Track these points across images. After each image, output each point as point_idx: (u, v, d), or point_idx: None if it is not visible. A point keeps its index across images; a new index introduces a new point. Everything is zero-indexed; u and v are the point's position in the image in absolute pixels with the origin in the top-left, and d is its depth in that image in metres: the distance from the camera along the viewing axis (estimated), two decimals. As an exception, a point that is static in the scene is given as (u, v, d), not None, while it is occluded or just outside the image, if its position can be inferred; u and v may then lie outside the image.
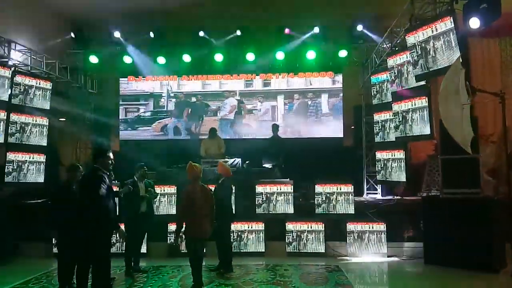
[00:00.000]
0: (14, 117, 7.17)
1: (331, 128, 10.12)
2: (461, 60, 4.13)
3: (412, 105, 6.19)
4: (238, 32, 8.55)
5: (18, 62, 7.32)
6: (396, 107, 6.43)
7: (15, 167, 7.36)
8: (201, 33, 8.75)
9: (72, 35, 8.74)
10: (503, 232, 6.17)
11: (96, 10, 8.71)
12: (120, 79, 10.33)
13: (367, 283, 5.94)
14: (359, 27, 8.48)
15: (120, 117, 10.30)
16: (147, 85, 10.27)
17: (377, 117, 7.69)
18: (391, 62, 6.40)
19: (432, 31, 5.02)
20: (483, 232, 6.00)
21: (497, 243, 6.12)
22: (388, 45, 7.01)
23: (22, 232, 7.52)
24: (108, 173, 4.46)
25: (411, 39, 5.40)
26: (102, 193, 4.18)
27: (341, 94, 10.08)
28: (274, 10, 8.47)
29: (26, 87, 7.33)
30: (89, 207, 4.17)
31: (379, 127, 7.69)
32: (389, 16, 7.42)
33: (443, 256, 6.24)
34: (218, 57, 8.95)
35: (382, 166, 7.63)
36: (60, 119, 9.24)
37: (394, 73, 6.36)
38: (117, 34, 8.84)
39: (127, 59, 9.09)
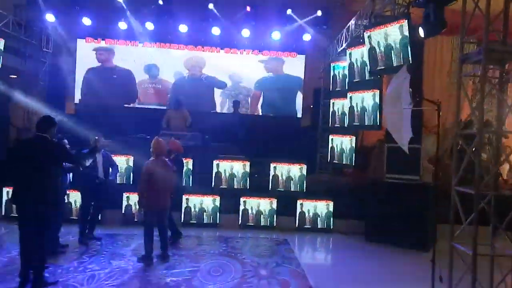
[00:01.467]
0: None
1: (290, 108, 10.43)
2: (407, 65, 4.50)
3: (364, 96, 6.60)
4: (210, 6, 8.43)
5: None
6: (350, 96, 6.81)
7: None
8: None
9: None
10: (437, 215, 6.87)
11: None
12: (78, 40, 9.92)
13: (311, 256, 6.45)
14: (319, 13, 8.67)
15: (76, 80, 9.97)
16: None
17: (333, 102, 8.07)
18: (349, 52, 6.72)
19: (388, 31, 5.35)
20: (419, 214, 6.65)
21: (431, 225, 6.81)
22: (348, 34, 7.31)
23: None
24: None
25: (368, 35, 5.70)
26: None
27: (303, 76, 10.34)
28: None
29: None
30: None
31: (335, 112, 8.09)
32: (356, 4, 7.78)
33: (382, 235, 6.87)
34: (183, 28, 8.82)
35: (334, 149, 8.10)
36: (11, 76, 8.85)
37: (352, 63, 6.70)
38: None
39: (86, 21, 8.70)
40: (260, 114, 10.36)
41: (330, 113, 8.20)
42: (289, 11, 8.84)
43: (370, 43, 5.71)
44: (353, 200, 7.93)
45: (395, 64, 5.31)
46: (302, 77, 10.36)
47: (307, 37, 9.01)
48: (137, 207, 6.16)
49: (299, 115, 10.47)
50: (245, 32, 8.87)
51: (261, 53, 10.17)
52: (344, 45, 7.58)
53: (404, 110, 3.42)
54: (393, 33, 5.29)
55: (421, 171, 7.05)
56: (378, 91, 6.28)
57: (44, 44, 9.15)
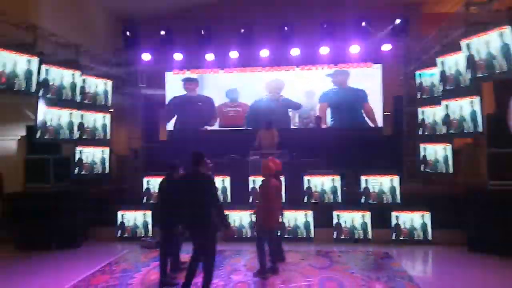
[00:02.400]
0: (82, 113, 7.74)
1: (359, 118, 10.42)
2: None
3: (462, 103, 6.47)
4: (285, 28, 8.83)
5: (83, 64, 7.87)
6: (446, 104, 6.71)
7: (84, 159, 8.01)
8: (242, 30, 9.06)
9: (128, 33, 9.20)
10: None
11: (146, 8, 9.16)
12: (166, 72, 10.83)
13: (420, 269, 6.36)
14: (397, 21, 8.65)
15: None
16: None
17: (422, 110, 7.96)
18: (441, 60, 6.65)
19: (488, 38, 5.26)
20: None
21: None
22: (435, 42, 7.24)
23: (90, 217, 8.27)
24: None
25: (467, 43, 5.63)
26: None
27: (381, 85, 10.29)
28: (317, 5, 8.69)
29: (92, 86, 7.89)
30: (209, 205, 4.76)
31: (424, 120, 7.97)
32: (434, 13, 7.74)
33: (487, 245, 6.60)
34: (264, 53, 9.30)
35: (427, 157, 7.95)
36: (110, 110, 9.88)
37: (444, 71, 6.61)
38: (164, 32, 9.27)
39: (176, 56, 9.55)
40: (332, 126, 10.43)
41: (419, 121, 8.07)
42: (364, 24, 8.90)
43: (469, 50, 5.64)
44: (451, 209, 7.70)
45: (498, 70, 5.19)
46: (379, 86, 10.31)
47: (386, 47, 9.02)
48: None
49: (380, 124, 10.38)
50: (323, 49, 9.09)
51: (336, 66, 10.32)
52: (430, 52, 7.52)
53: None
54: (493, 40, 5.20)
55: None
56: (478, 97, 6.14)
57: (139, 80, 10.11)
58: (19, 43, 5.88)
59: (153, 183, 8.32)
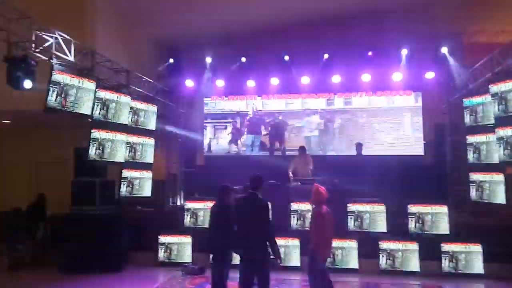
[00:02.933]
0: (129, 138, 7.88)
1: (411, 146, 10.21)
2: None
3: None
4: (326, 56, 8.94)
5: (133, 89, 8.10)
6: (501, 132, 6.55)
7: (129, 183, 8.10)
8: (286, 57, 9.20)
9: (171, 60, 9.50)
10: None
11: (189, 36, 9.47)
12: (205, 99, 11.04)
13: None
14: (444, 49, 8.63)
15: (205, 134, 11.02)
16: (234, 104, 10.93)
17: (472, 138, 7.77)
18: (495, 88, 6.55)
19: None
20: None
21: None
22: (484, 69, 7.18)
23: (132, 241, 8.27)
24: None
25: None
26: None
27: (421, 113, 10.16)
28: (358, 33, 8.78)
29: (139, 111, 8.08)
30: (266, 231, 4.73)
31: (473, 148, 7.77)
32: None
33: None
34: (305, 80, 9.40)
35: (478, 187, 7.69)
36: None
37: (499, 99, 6.50)
38: (208, 59, 9.53)
39: (219, 82, 9.76)
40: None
41: (468, 149, 7.87)
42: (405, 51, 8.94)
43: None
44: (504, 242, 7.36)
45: None
46: (420, 114, 10.18)
47: (429, 75, 8.97)
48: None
49: (421, 152, 10.17)
50: (365, 77, 9.13)
51: (374, 94, 10.29)
52: (478, 81, 7.45)
53: None
54: None
55: None
56: None
57: (180, 106, 10.31)
58: (79, 68, 6.12)
59: (194, 207, 8.33)
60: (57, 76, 5.61)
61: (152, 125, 8.48)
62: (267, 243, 4.69)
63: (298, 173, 9.04)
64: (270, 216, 4.95)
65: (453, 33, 9.04)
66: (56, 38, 5.57)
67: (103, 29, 7.79)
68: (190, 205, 8.41)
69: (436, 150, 9.99)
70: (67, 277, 7.26)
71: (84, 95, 6.14)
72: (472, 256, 7.24)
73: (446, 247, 7.36)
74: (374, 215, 7.80)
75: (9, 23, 4.85)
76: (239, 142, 10.99)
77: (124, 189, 8.00)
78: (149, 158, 8.53)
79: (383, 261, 7.51)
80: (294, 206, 8.03)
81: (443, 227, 7.57)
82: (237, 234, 4.81)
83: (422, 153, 10.17)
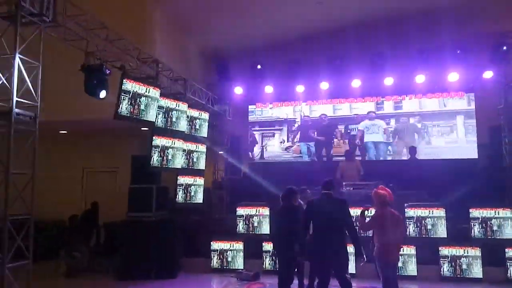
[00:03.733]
0: (185, 145, 8.01)
1: (464, 149, 9.92)
2: None
3: None
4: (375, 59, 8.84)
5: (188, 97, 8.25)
6: None
7: (184, 190, 8.22)
8: (336, 61, 9.14)
9: (220, 68, 9.64)
10: None
11: (237, 42, 9.60)
12: (249, 106, 11.12)
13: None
14: (504, 48, 8.36)
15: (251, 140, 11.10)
16: (281, 111, 10.96)
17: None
18: None
19: None
20: None
21: None
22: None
23: (186, 248, 8.37)
24: None
25: None
26: None
27: (474, 115, 9.87)
28: (412, 32, 8.65)
29: (193, 118, 8.22)
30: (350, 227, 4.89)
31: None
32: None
33: None
34: (355, 83, 9.31)
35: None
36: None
37: None
38: (258, 66, 9.60)
39: (267, 88, 9.82)
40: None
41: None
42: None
43: None
44: None
45: None
46: (473, 116, 9.89)
47: (488, 74, 8.69)
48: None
49: (475, 155, 9.85)
50: (419, 78, 8.96)
51: (425, 96, 10.08)
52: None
53: None
54: None
55: None
56: None
57: (227, 113, 10.41)
58: (143, 76, 6.30)
59: (247, 213, 8.35)
60: (127, 85, 5.79)
61: (204, 132, 8.61)
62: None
63: (346, 178, 8.94)
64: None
65: (505, 32, 8.73)
66: (127, 48, 5.76)
67: (161, 38, 8.00)
68: (242, 211, 8.44)
69: (491, 152, 9.63)
70: (123, 283, 7.39)
71: (150, 103, 6.30)
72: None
73: (509, 251, 7.09)
74: (434, 220, 7.58)
75: (87, 33, 5.04)
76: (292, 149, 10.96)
77: (179, 195, 8.11)
78: (202, 165, 8.65)
79: (444, 268, 7.30)
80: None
81: (508, 232, 7.28)
82: (315, 234, 4.85)
83: (476, 156, 9.84)
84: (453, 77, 8.92)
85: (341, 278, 4.80)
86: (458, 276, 7.20)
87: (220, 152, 10.38)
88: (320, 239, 4.76)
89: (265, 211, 8.29)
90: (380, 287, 5.20)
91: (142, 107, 6.09)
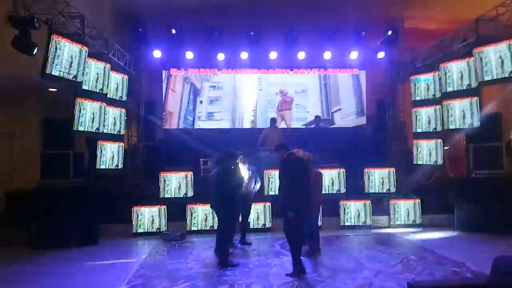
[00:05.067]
0: (107, 109, 7.69)
1: (356, 118, 11.50)
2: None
3: (463, 104, 7.70)
4: (292, 33, 9.56)
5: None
6: (449, 104, 7.92)
7: (103, 155, 7.96)
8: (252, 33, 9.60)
9: (137, 30, 9.23)
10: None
11: (153, 6, 9.28)
12: (163, 71, 10.96)
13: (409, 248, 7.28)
14: (389, 32, 9.84)
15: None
16: (201, 78, 11.12)
17: (419, 111, 9.16)
18: (445, 66, 7.84)
19: (498, 48, 6.49)
20: (504, 204, 7.64)
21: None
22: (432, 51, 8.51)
23: (105, 214, 8.17)
24: None
25: (479, 51, 6.81)
26: None
27: (365, 89, 11.44)
28: (321, 13, 9.50)
29: (115, 81, 7.90)
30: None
31: (419, 119, 9.16)
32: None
33: (473, 225, 7.82)
34: (272, 55, 9.94)
35: (420, 151, 9.17)
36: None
37: (445, 76, 7.83)
38: (173, 31, 9.50)
39: (188, 54, 9.82)
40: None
41: (415, 119, 9.27)
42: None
43: (480, 58, 6.81)
44: (439, 196, 8.96)
45: (506, 75, 6.42)
46: (364, 90, 11.45)
47: (381, 54, 10.16)
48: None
49: (364, 123, 11.49)
50: (327, 54, 10.01)
51: (327, 70, 11.28)
52: (426, 61, 8.79)
53: None
54: (504, 50, 6.42)
55: (503, 166, 8.10)
56: (477, 98, 7.40)
57: (142, 78, 10.10)
58: (71, 33, 5.86)
59: (169, 178, 8.52)
60: (56, 41, 5.36)
61: (124, 96, 8.34)
62: None
63: (267, 143, 9.66)
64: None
65: (398, 18, 10.22)
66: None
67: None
68: (164, 176, 8.56)
69: (377, 122, 11.33)
70: (41, 252, 6.99)
71: (80, 63, 5.92)
72: (413, 209, 8.61)
73: (392, 203, 8.65)
74: (336, 179, 8.79)
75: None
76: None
77: (100, 161, 7.84)
78: (122, 130, 8.42)
79: (343, 218, 8.58)
80: (266, 173, 8.64)
81: (391, 186, 8.88)
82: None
83: (365, 125, 11.48)
84: (353, 56, 10.16)
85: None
86: (355, 224, 8.52)
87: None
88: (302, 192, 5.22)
89: (189, 175, 8.55)
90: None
91: (73, 66, 5.71)
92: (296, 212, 5.10)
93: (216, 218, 6.66)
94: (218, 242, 6.16)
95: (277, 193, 8.27)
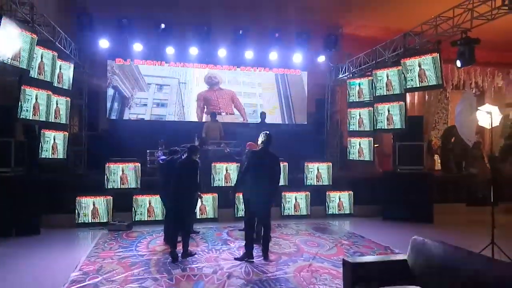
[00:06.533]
0: (52, 97, 7.53)
1: (298, 116, 12.25)
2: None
3: (390, 107, 8.65)
4: (240, 31, 9.95)
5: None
6: (377, 106, 8.83)
7: (46, 144, 7.78)
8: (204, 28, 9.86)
9: (79, 18, 8.99)
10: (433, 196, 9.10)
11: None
12: (108, 60, 10.81)
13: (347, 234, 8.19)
14: (332, 38, 10.65)
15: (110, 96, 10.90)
16: (147, 70, 11.15)
17: (353, 111, 10.04)
18: (375, 73, 8.73)
19: (422, 60, 7.43)
20: (423, 196, 8.79)
21: (431, 204, 8.95)
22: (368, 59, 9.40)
23: (47, 204, 7.99)
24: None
25: (406, 62, 7.72)
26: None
27: (306, 89, 12.21)
28: (268, 15, 10.03)
29: (60, 69, 7.74)
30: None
31: (353, 119, 10.05)
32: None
33: (397, 214, 8.86)
34: (221, 52, 10.27)
35: (354, 148, 10.07)
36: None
37: (377, 81, 8.72)
38: (124, 21, 9.39)
39: (136, 46, 9.78)
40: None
41: (349, 119, 10.14)
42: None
43: (406, 68, 7.72)
44: (369, 189, 9.92)
45: (429, 84, 7.38)
46: (305, 90, 12.23)
47: (321, 58, 10.92)
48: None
49: (305, 122, 12.27)
50: (273, 55, 10.55)
51: (271, 70, 11.88)
52: (361, 67, 9.67)
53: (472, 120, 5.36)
54: (426, 62, 7.36)
55: (424, 163, 9.24)
56: (403, 103, 8.38)
57: (85, 66, 9.87)
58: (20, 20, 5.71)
59: (114, 169, 8.52)
60: (5, 27, 5.22)
61: (69, 84, 8.18)
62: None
63: (211, 137, 9.99)
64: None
65: (337, 25, 11.08)
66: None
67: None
68: (110, 166, 8.55)
69: (317, 119, 12.15)
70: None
71: (28, 50, 5.78)
72: (347, 201, 9.54)
73: (329, 194, 9.49)
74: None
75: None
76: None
77: (42, 150, 7.65)
78: (65, 119, 8.25)
79: (284, 208, 9.22)
80: (215, 166, 8.99)
81: (328, 179, 9.69)
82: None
83: (306, 122, 12.27)
84: (297, 57, 10.83)
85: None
86: (295, 214, 9.19)
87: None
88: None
89: (136, 166, 8.63)
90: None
91: (22, 53, 5.58)
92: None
93: (163, 207, 6.84)
94: (168, 231, 6.40)
95: (223, 185, 8.87)
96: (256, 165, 5.70)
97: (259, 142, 5.93)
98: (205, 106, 11.57)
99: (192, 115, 11.54)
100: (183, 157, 6.19)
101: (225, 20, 9.81)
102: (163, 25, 9.46)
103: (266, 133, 5.91)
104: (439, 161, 12.16)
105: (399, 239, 7.10)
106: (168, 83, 11.32)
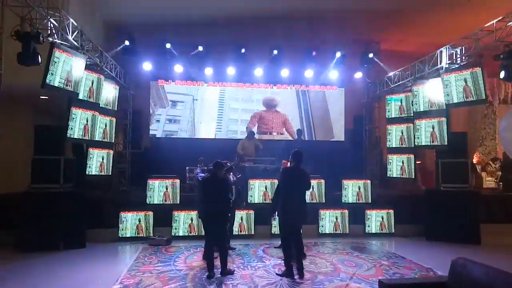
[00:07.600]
0: (101, 117, 8.01)
1: (336, 133, 12.13)
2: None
3: (432, 123, 8.41)
4: (275, 51, 10.13)
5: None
6: (419, 123, 8.61)
7: (94, 162, 8.22)
8: (243, 50, 10.14)
9: (127, 42, 9.56)
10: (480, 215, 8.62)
11: (144, 20, 9.69)
12: (151, 82, 11.33)
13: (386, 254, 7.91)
14: (370, 55, 10.55)
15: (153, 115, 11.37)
16: (188, 90, 11.55)
17: (392, 128, 9.83)
18: (415, 89, 8.55)
19: (463, 75, 7.24)
20: (470, 215, 8.35)
21: (478, 224, 8.48)
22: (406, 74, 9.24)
23: (92, 219, 8.39)
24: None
25: (446, 78, 7.54)
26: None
27: (344, 105, 12.11)
28: (305, 35, 10.16)
29: (108, 91, 8.22)
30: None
31: (393, 135, 9.83)
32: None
33: (441, 234, 8.46)
34: (258, 71, 10.48)
35: (394, 165, 9.81)
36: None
37: (417, 97, 8.54)
38: (168, 45, 9.91)
39: (177, 68, 10.22)
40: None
41: (388, 135, 9.93)
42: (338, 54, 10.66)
43: (449, 83, 7.53)
44: (410, 207, 9.57)
45: (472, 99, 7.14)
46: (342, 107, 12.13)
47: (358, 74, 10.85)
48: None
49: (343, 138, 12.12)
50: (308, 73, 10.63)
51: (308, 87, 11.91)
52: (400, 81, 9.51)
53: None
54: (468, 77, 7.14)
55: (469, 181, 8.81)
56: (444, 118, 8.11)
57: (130, 87, 10.44)
58: (69, 46, 6.17)
59: (155, 185, 8.82)
60: (57, 55, 5.68)
61: (115, 105, 8.65)
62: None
63: (247, 153, 10.12)
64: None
65: (374, 41, 10.98)
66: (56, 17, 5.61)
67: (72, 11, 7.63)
68: (152, 182, 8.86)
69: (355, 137, 11.99)
70: (29, 255, 7.15)
71: (78, 74, 6.24)
72: (386, 219, 9.21)
73: (368, 212, 9.21)
74: (316, 189, 9.30)
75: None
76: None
77: (89, 167, 8.09)
78: (112, 137, 8.70)
79: (322, 226, 9.07)
80: (251, 182, 9.08)
81: (367, 197, 9.45)
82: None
83: (343, 139, 12.12)
84: (333, 74, 10.82)
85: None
86: (334, 232, 9.02)
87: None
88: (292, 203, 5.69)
89: (176, 183, 8.89)
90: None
91: (72, 78, 6.03)
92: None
93: (201, 224, 7.01)
94: (208, 248, 6.47)
95: (260, 201, 8.94)
96: (287, 182, 5.75)
97: (290, 159, 5.96)
98: (258, 124, 11.80)
99: (229, 133, 11.80)
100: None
101: (261, 39, 10.03)
102: (200, 47, 9.78)
103: (296, 150, 5.91)
104: (487, 178, 11.55)
105: (442, 260, 6.68)
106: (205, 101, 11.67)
